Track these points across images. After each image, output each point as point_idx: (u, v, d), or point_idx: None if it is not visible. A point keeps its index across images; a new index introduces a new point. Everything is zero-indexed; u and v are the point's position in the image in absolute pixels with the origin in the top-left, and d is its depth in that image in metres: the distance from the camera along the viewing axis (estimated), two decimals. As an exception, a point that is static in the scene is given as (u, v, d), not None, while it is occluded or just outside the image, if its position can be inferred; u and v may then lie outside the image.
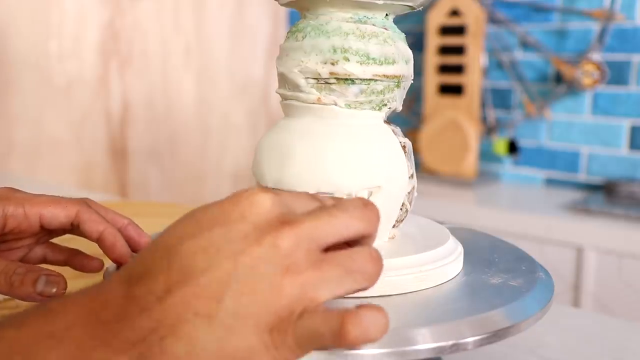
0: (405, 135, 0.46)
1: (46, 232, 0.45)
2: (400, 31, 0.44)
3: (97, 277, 0.44)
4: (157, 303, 0.26)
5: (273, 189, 0.30)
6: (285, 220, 0.28)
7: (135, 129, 1.64)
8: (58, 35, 1.47)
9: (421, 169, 1.67)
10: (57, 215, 0.43)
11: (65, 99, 1.49)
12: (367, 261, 0.29)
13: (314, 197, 0.32)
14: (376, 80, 0.41)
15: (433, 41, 1.65)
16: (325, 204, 0.31)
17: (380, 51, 0.41)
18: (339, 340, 0.27)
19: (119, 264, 0.43)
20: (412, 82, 0.45)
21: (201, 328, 0.26)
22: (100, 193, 1.49)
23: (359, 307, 0.27)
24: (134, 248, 0.44)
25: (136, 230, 0.45)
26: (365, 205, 0.30)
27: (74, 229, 0.44)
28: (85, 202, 0.44)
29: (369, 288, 0.29)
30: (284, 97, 0.44)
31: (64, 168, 1.51)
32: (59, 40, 1.47)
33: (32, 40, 1.42)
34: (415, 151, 0.44)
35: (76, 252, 0.46)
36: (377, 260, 0.29)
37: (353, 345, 0.27)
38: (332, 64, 0.41)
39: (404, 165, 0.43)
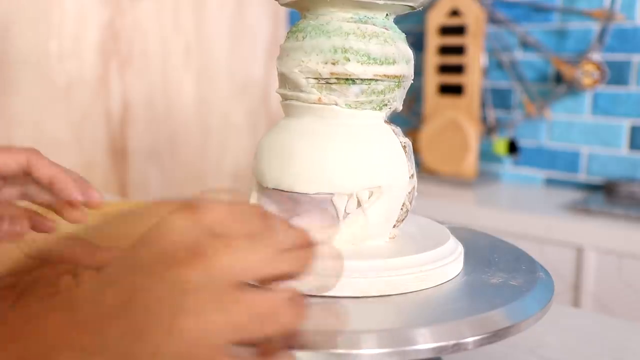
0: (405, 135, 0.46)
1: None
2: (400, 31, 0.44)
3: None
4: (30, 325, 0.24)
5: (207, 201, 0.27)
6: (197, 252, 0.24)
7: (135, 129, 1.65)
8: (58, 35, 1.47)
9: (421, 169, 1.67)
10: (7, 162, 0.42)
11: (65, 99, 1.49)
12: (284, 307, 0.25)
13: (256, 216, 0.27)
14: (377, 80, 0.41)
15: (433, 41, 1.65)
16: (267, 227, 0.27)
17: (380, 51, 0.41)
18: (294, 319, 0.25)
19: (70, 207, 0.42)
20: (412, 82, 0.45)
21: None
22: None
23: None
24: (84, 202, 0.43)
25: (85, 184, 0.43)
26: (305, 244, 0.27)
27: (26, 177, 0.43)
28: (35, 150, 0.43)
29: (303, 270, 0.27)
30: (285, 97, 0.44)
31: (64, 168, 1.50)
32: (59, 40, 1.47)
33: (32, 40, 1.42)
34: (415, 151, 0.44)
35: (33, 212, 0.46)
36: (297, 307, 0.26)
37: (300, 322, 0.26)
38: (333, 64, 0.41)
39: (404, 165, 0.43)
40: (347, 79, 0.41)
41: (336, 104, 0.42)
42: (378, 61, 0.41)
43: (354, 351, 0.31)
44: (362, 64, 0.41)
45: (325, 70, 0.41)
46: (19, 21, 1.39)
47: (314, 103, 0.42)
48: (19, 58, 1.40)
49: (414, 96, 1.80)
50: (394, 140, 0.43)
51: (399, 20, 0.45)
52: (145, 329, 0.23)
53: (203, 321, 0.24)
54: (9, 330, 0.23)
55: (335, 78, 0.41)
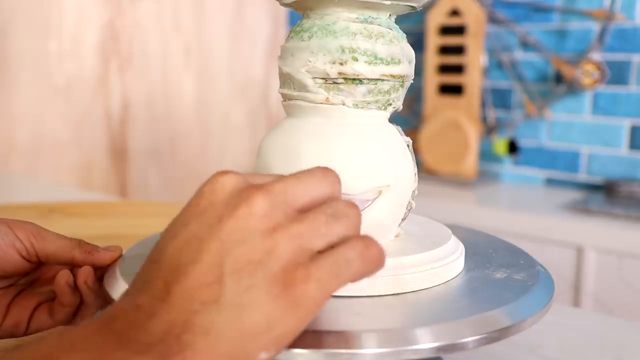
0: (405, 135, 0.46)
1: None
2: (402, 31, 0.44)
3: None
4: (162, 305, 0.26)
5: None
6: (254, 187, 0.28)
7: (135, 129, 1.64)
8: (58, 35, 1.47)
9: (421, 169, 1.67)
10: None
11: (65, 99, 1.49)
12: (347, 207, 0.29)
13: (274, 174, 0.31)
14: (383, 80, 0.42)
15: (433, 41, 1.65)
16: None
17: (387, 51, 0.41)
18: (366, 259, 0.27)
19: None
20: (412, 82, 0.45)
21: (213, 315, 0.25)
22: (100, 193, 1.49)
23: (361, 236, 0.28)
24: (95, 263, 0.42)
25: (87, 246, 0.42)
26: (324, 170, 0.30)
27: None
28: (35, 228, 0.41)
29: (356, 233, 0.29)
30: (289, 98, 0.44)
31: (64, 168, 1.51)
32: (59, 40, 1.47)
33: (32, 40, 1.42)
34: (415, 151, 0.44)
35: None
36: (355, 206, 0.29)
37: (377, 264, 0.28)
38: (341, 64, 0.41)
39: (410, 164, 0.43)
40: (354, 79, 0.41)
41: (343, 104, 0.42)
42: (384, 61, 0.41)
43: (354, 351, 0.31)
44: (369, 64, 0.41)
45: (333, 71, 0.41)
46: (19, 21, 1.39)
47: (321, 103, 0.42)
48: (19, 58, 1.40)
49: (414, 96, 1.80)
50: (400, 139, 0.43)
51: (399, 20, 0.45)
52: (249, 259, 0.26)
53: (290, 233, 0.27)
54: (146, 313, 0.26)
55: (343, 78, 0.41)
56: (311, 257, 0.27)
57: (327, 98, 0.42)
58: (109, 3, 1.55)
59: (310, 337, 0.31)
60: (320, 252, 0.27)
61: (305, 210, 0.28)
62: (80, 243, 0.42)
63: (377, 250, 0.28)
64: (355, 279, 0.28)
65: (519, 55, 1.66)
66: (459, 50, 1.61)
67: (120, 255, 0.43)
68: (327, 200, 0.29)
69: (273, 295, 0.26)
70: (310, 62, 0.41)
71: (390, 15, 0.44)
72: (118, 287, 0.38)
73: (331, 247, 0.28)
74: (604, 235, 1.24)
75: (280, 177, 0.29)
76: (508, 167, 1.72)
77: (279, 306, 0.26)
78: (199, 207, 0.28)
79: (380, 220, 0.42)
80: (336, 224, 0.28)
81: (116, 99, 1.59)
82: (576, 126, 1.60)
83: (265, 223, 0.27)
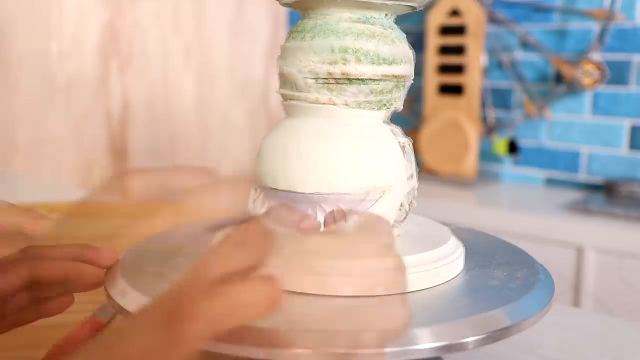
0: (405, 135, 0.46)
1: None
2: (402, 31, 0.44)
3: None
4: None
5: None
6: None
7: (135, 129, 1.64)
8: (58, 35, 1.47)
9: (421, 169, 1.67)
10: (9, 282, 0.37)
11: (66, 99, 1.49)
12: (257, 235, 0.27)
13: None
14: (385, 80, 0.42)
15: (433, 41, 1.65)
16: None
17: (389, 51, 0.41)
18: (263, 304, 0.24)
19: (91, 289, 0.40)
20: (412, 82, 0.46)
21: (95, 338, 0.24)
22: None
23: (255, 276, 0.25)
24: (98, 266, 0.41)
25: (92, 250, 0.41)
26: (264, 234, 0.27)
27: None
28: (32, 249, 0.39)
29: (262, 261, 0.26)
30: (290, 98, 0.44)
31: (65, 168, 1.51)
32: (59, 40, 1.47)
33: (32, 40, 1.42)
34: (415, 151, 0.44)
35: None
36: (267, 234, 0.27)
37: (274, 309, 0.25)
38: (344, 64, 0.41)
39: (410, 164, 0.43)
40: (357, 79, 0.41)
41: (346, 104, 0.42)
42: (387, 61, 0.41)
43: (354, 351, 0.31)
44: (372, 64, 0.41)
45: (336, 71, 0.41)
46: (18, 21, 1.39)
47: (323, 103, 0.42)
48: (19, 58, 1.40)
49: (414, 96, 1.80)
50: (399, 139, 0.43)
51: (398, 21, 0.45)
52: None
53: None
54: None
55: (346, 78, 0.41)
56: (208, 288, 0.24)
57: (330, 98, 0.42)
58: (109, 3, 1.55)
59: (310, 337, 0.31)
60: (220, 282, 0.25)
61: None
62: (30, 210, 0.40)
63: (276, 295, 0.25)
64: (248, 321, 0.25)
65: (519, 55, 1.66)
66: (459, 50, 1.61)
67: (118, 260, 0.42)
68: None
69: (157, 328, 0.24)
70: (312, 62, 0.41)
71: (390, 15, 0.44)
72: (118, 287, 0.38)
73: (239, 274, 0.25)
74: (604, 235, 1.24)
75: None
76: (508, 167, 1.72)
77: (159, 341, 0.23)
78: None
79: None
80: (240, 253, 0.26)
81: (116, 99, 1.59)
82: (576, 126, 1.60)
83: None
